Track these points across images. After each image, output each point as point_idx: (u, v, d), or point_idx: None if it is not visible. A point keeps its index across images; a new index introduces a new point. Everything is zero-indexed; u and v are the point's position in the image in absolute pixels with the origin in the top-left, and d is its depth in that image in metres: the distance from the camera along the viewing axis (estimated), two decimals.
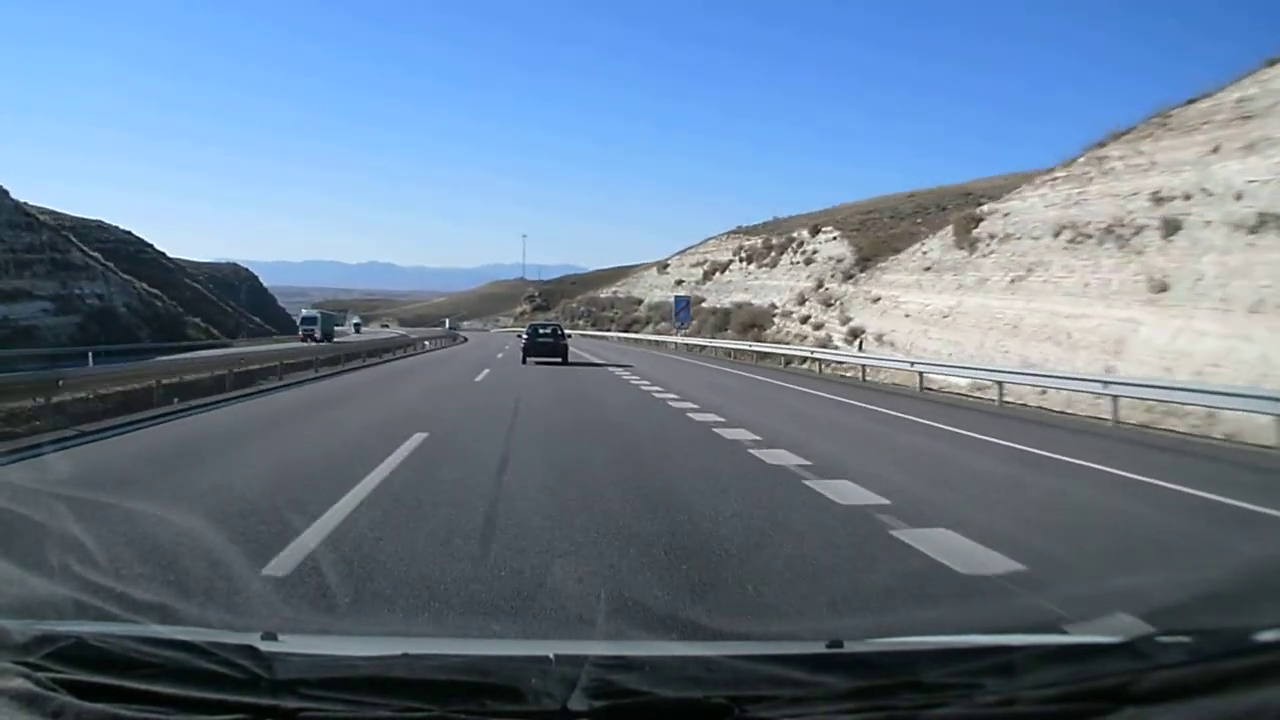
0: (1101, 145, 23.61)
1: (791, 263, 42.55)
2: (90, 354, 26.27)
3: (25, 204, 42.95)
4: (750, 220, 61.43)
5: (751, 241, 52.91)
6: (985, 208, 26.45)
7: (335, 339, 55.65)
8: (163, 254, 74.84)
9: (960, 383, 17.52)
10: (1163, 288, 17.04)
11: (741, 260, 52.25)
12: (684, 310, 44.29)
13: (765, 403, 15.65)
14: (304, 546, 4.68)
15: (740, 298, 45.60)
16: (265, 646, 1.50)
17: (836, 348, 26.20)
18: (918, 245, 28.65)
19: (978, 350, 18.99)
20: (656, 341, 49.42)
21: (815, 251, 40.05)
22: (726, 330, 40.17)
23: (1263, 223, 15.25)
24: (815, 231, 42.39)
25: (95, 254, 49.25)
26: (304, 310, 65.77)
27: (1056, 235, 21.57)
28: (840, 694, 1.34)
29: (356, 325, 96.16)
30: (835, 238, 39.09)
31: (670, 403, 14.33)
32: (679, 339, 43.29)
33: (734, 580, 4.31)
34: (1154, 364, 14.86)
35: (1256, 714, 1.28)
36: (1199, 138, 18.98)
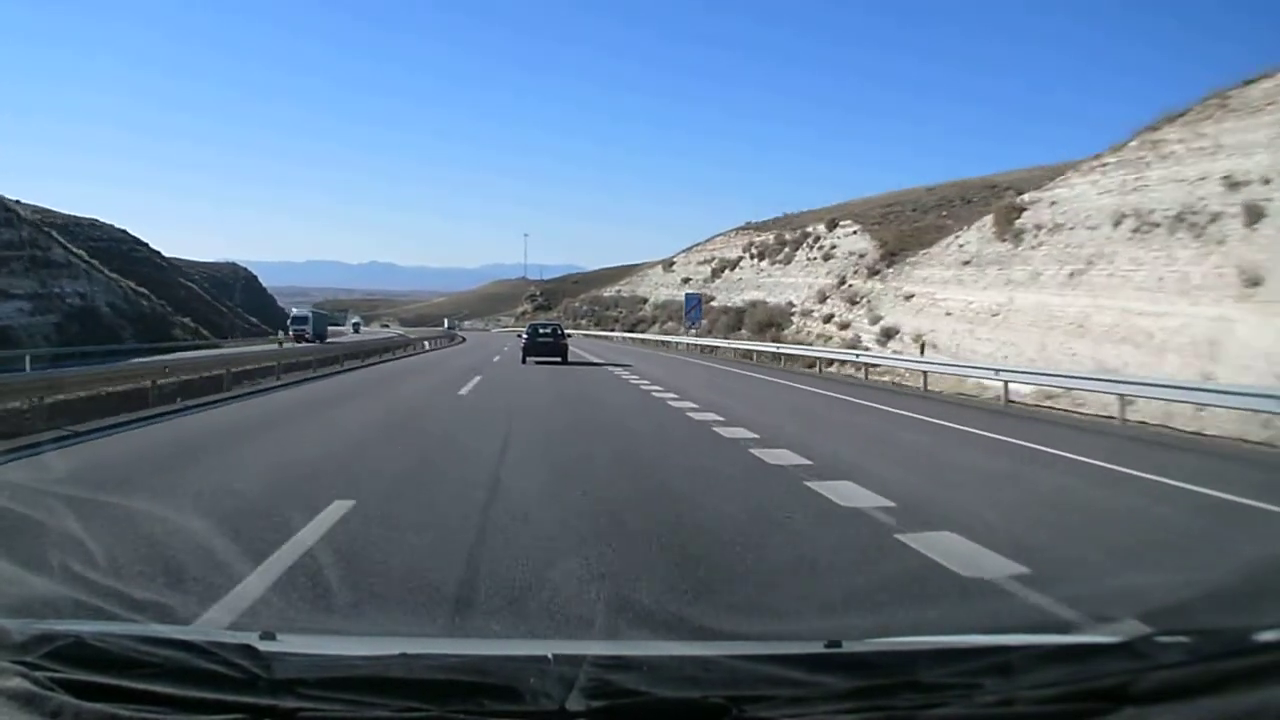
0: (1154, 129, 21.79)
1: (808, 259, 40.43)
2: (29, 357, 24.29)
3: (3, 198, 41.09)
4: (756, 217, 59.27)
5: (763, 237, 50.82)
6: (1026, 197, 24.43)
7: (330, 339, 54.08)
8: (157, 253, 74.19)
9: (1023, 389, 15.39)
10: (1255, 281, 14.95)
11: (753, 257, 50.15)
12: (695, 309, 42.06)
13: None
14: None
15: (753, 296, 43.44)
16: (264, 646, 1.50)
17: (867, 348, 23.98)
18: (951, 238, 26.53)
19: (1038, 353, 16.85)
20: (664, 342, 47.25)
21: (834, 247, 37.94)
22: (740, 330, 37.96)
23: None
24: (832, 226, 40.27)
25: (79, 251, 47.65)
26: (294, 310, 62.57)
27: (1117, 225, 19.51)
28: (839, 694, 1.33)
29: (355, 325, 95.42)
30: (855, 232, 36.99)
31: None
32: (688, 339, 41.06)
33: None
34: (1261, 369, 12.75)
35: (1256, 714, 1.27)
36: (1266, 118, 17.55)
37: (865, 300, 28.50)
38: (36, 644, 1.41)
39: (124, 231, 71.12)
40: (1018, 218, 23.28)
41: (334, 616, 3.66)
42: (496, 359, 28.63)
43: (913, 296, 24.93)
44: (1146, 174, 20.44)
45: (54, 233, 46.89)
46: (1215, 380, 12.97)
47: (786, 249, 44.40)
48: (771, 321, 34.20)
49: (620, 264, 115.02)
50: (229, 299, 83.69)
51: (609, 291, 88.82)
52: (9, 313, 35.90)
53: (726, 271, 53.93)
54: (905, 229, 34.05)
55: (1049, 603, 3.78)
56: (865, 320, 26.94)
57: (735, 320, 40.42)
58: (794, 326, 33.07)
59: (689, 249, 71.35)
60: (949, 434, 11.09)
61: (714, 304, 46.65)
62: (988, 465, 8.66)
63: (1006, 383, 15.59)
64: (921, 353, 19.25)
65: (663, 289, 68.13)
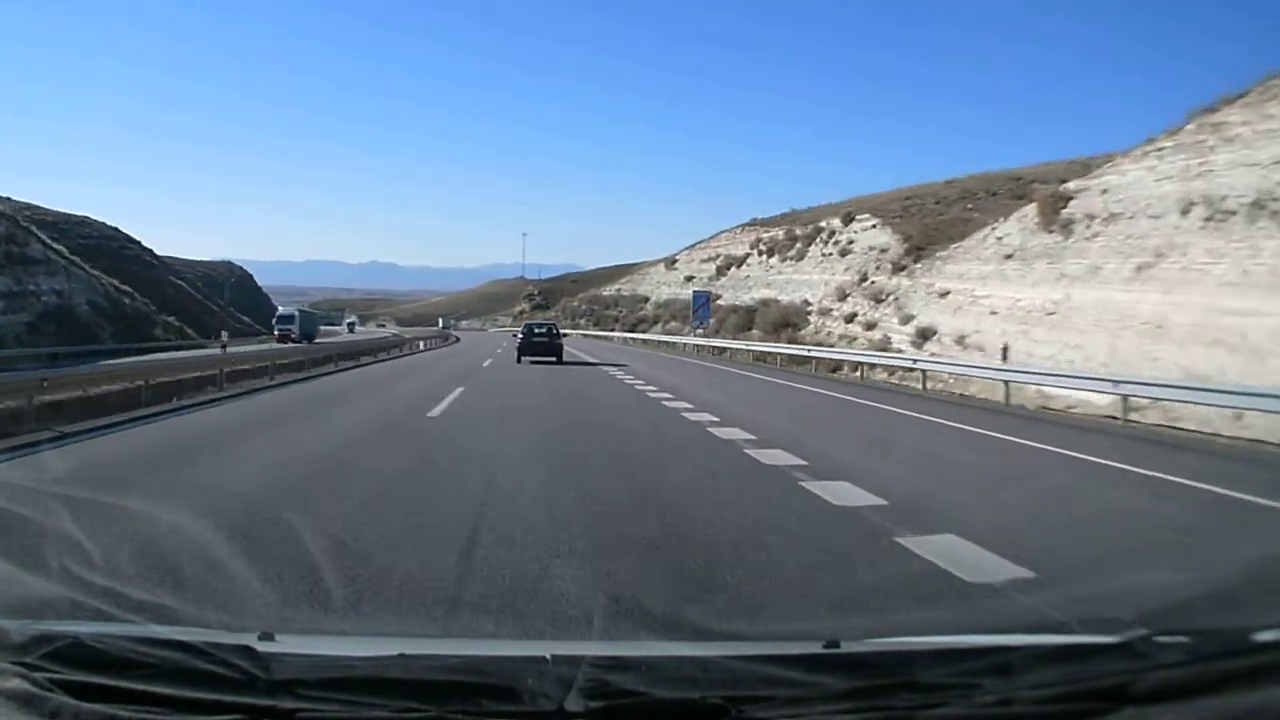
0: (1213, 110, 19.93)
1: (823, 254, 38.30)
2: None
3: None
4: (756, 216, 57.08)
5: (771, 233, 48.74)
6: (1072, 185, 22.43)
7: (322, 339, 52.11)
8: (149, 250, 73.54)
9: (1099, 400, 13.30)
10: None
11: (761, 253, 48.08)
12: (704, 307, 39.86)
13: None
14: None
15: (764, 294, 41.32)
16: (262, 647, 1.49)
17: (900, 351, 21.87)
18: (986, 230, 24.44)
19: (1110, 357, 14.77)
20: (668, 343, 45.05)
21: (851, 241, 35.83)
22: (751, 330, 35.80)
23: None
24: (848, 220, 38.17)
25: (59, 247, 45.98)
26: (280, 308, 59.58)
27: (1185, 213, 17.51)
28: (837, 694, 1.32)
29: (351, 325, 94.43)
30: (874, 226, 34.88)
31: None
32: (695, 340, 38.88)
33: None
34: None
35: (1256, 714, 1.26)
36: None
37: (893, 298, 26.33)
38: (35, 645, 1.41)
39: (115, 229, 71.49)
40: (1064, 207, 21.25)
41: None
42: (487, 363, 25.83)
43: (948, 294, 22.80)
44: (1211, 158, 18.56)
45: (34, 228, 45.43)
46: None
47: (798, 244, 42.30)
48: (787, 321, 31.97)
49: (618, 263, 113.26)
50: (220, 298, 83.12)
51: (608, 290, 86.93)
52: None
53: (733, 269, 51.84)
54: (929, 222, 31.99)
55: None
56: (895, 319, 24.77)
57: (745, 320, 38.19)
58: (811, 326, 30.91)
59: (692, 246, 69.33)
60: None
61: (720, 302, 44.53)
62: None
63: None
64: (1004, 358, 16.56)
65: (664, 287, 66.12)
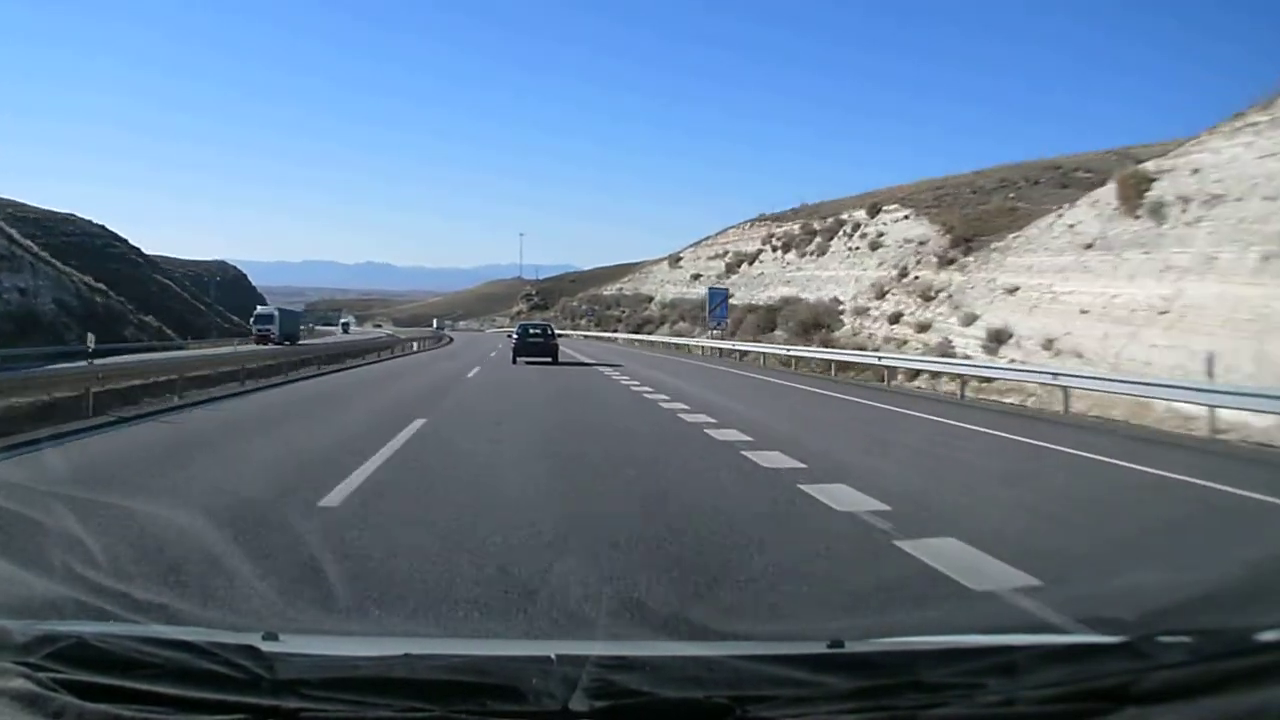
0: None
1: (849, 249, 35.40)
2: None
3: None
4: (757, 215, 54.16)
5: (784, 228, 45.90)
6: (1151, 165, 19.63)
7: (308, 340, 49.41)
8: (136, 249, 71.84)
9: (1258, 423, 10.44)
10: None
11: (775, 249, 45.23)
12: (721, 306, 36.68)
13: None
14: None
15: (783, 292, 38.41)
16: (266, 646, 1.47)
17: (968, 356, 18.95)
18: (1051, 218, 21.56)
19: (1258, 366, 11.94)
20: (677, 345, 41.65)
21: (881, 234, 32.97)
22: (774, 331, 32.83)
23: None
24: (874, 211, 35.30)
25: (25, 242, 43.36)
26: (259, 308, 55.78)
27: None
28: (841, 694, 1.31)
29: (345, 325, 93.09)
30: (906, 217, 32.03)
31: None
32: (710, 342, 35.80)
33: None
34: None
35: (1258, 714, 1.25)
36: None
37: (945, 295, 23.41)
38: (39, 645, 1.40)
39: (101, 227, 70.40)
40: (1148, 189, 18.44)
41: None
42: (472, 373, 21.25)
43: (1017, 289, 19.86)
44: None
45: (3, 225, 42.86)
46: None
47: (818, 238, 39.43)
48: (818, 322, 28.93)
49: (618, 263, 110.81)
50: (207, 297, 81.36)
51: (609, 290, 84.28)
52: None
53: (744, 266, 49.00)
54: (969, 213, 29.14)
55: None
56: (954, 319, 21.76)
57: (765, 320, 35.11)
58: (847, 327, 27.96)
59: (697, 244, 66.65)
60: None
61: (733, 302, 41.61)
62: None
63: None
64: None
65: (670, 286, 63.32)
